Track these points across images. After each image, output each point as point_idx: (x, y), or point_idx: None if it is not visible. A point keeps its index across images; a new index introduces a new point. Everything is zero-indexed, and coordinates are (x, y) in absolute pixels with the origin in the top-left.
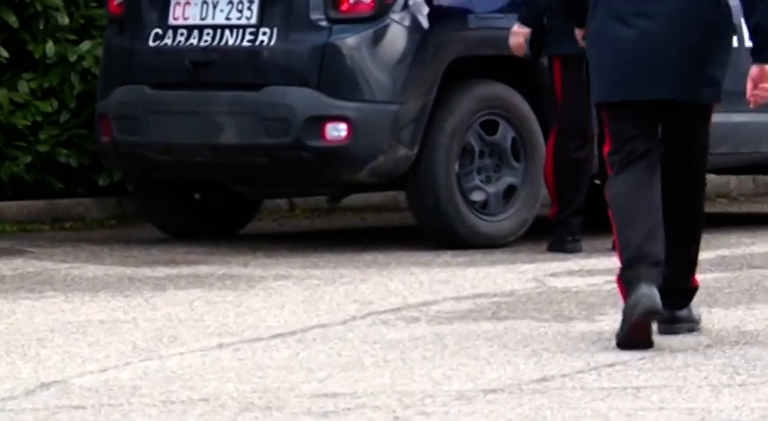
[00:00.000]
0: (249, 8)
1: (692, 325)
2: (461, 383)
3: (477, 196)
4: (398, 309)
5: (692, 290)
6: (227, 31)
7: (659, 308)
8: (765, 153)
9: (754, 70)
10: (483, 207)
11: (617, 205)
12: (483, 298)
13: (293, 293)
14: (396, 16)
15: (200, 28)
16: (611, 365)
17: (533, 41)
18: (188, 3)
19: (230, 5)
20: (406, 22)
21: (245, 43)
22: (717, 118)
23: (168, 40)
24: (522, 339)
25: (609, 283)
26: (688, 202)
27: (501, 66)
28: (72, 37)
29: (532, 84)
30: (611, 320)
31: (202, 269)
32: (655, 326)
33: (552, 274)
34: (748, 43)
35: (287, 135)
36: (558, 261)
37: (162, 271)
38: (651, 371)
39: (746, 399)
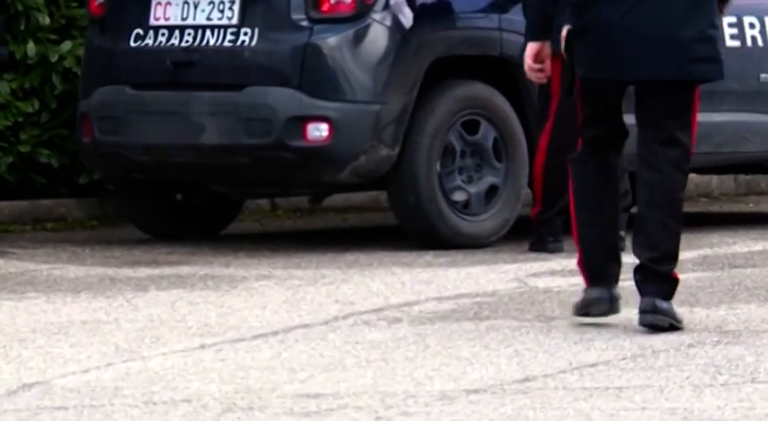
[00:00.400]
0: (230, 8)
1: (673, 321)
2: (443, 383)
3: (458, 196)
4: (380, 310)
5: (674, 281)
6: (208, 32)
7: (618, 310)
8: (747, 152)
9: None
10: (465, 207)
11: (578, 190)
12: (465, 298)
13: (275, 294)
14: (377, 16)
15: (182, 28)
16: (594, 365)
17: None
18: (169, 3)
19: (211, 5)
20: (388, 22)
21: (226, 43)
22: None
23: (149, 41)
24: (504, 339)
25: None
26: (669, 195)
27: (482, 66)
28: (53, 37)
29: (514, 83)
30: (594, 320)
31: (184, 269)
32: (636, 318)
33: (534, 274)
34: (730, 43)
35: (268, 135)
36: (540, 261)
37: (144, 271)
38: (633, 371)
39: (729, 399)
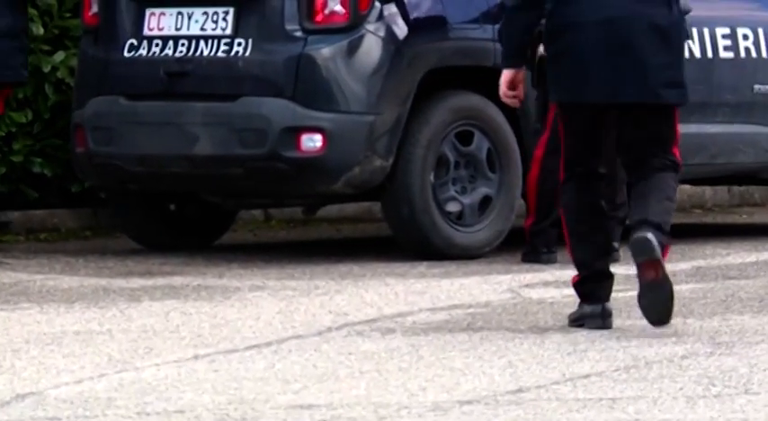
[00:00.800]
0: (224, 19)
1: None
2: (437, 394)
3: (452, 207)
4: (374, 320)
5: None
6: (201, 42)
7: (611, 326)
8: (740, 163)
9: None
10: (458, 218)
11: (571, 216)
12: (458, 309)
13: (268, 304)
14: (371, 27)
15: (175, 38)
16: (587, 376)
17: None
18: (163, 13)
19: (205, 16)
20: (381, 33)
21: (220, 54)
22: (692, 129)
23: (143, 51)
24: (497, 350)
25: None
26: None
27: (476, 76)
28: (46, 47)
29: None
30: (587, 332)
31: (177, 280)
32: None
33: (527, 285)
34: (724, 54)
35: (262, 146)
36: (534, 272)
37: (137, 282)
38: (626, 382)
39: (722, 410)
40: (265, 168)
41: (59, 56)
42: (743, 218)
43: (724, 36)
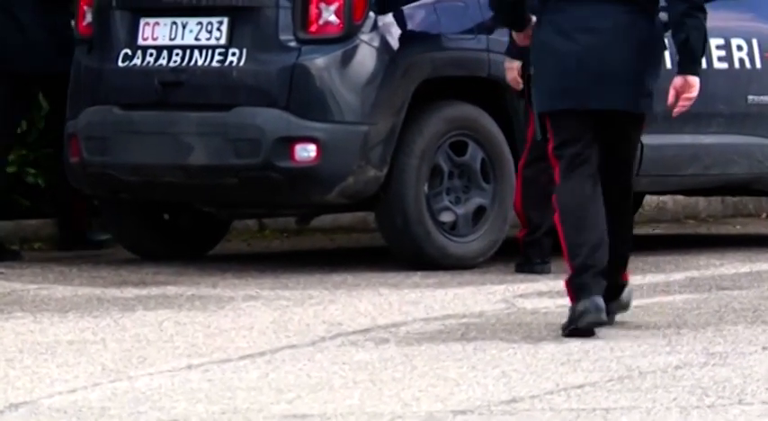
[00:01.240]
0: (218, 29)
1: (619, 309)
2: (430, 404)
3: (446, 217)
4: (367, 330)
5: (622, 284)
6: (196, 52)
7: (605, 319)
8: (734, 174)
9: (677, 80)
10: (452, 228)
11: (566, 213)
12: (452, 319)
13: (262, 314)
14: (365, 37)
15: (170, 48)
16: (581, 387)
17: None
18: (157, 23)
19: (199, 26)
20: (376, 43)
21: (214, 64)
22: (686, 139)
23: (137, 61)
24: (491, 360)
25: None
26: (620, 209)
27: (470, 87)
28: None
29: (502, 105)
30: (580, 342)
31: (171, 290)
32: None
33: (521, 295)
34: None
35: (256, 156)
36: (528, 282)
37: (131, 291)
38: (620, 392)
39: None
40: (259, 178)
41: None
42: (737, 228)
43: (718, 47)
